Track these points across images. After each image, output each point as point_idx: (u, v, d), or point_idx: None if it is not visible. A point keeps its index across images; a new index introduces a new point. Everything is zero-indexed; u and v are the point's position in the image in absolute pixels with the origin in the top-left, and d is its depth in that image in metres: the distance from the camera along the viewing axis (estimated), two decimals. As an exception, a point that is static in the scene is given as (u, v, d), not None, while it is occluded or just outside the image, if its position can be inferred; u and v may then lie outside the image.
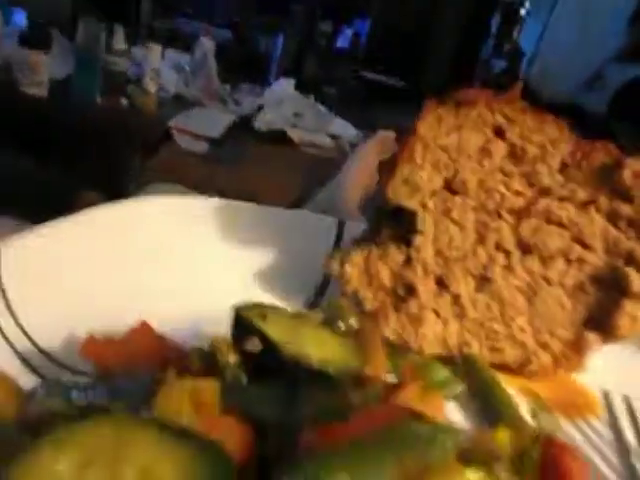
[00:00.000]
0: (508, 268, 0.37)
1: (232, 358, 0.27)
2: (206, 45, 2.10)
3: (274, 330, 0.28)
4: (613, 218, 0.36)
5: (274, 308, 0.31)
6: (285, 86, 2.19)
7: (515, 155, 0.37)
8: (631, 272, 0.35)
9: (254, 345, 0.27)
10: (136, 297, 0.36)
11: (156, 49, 1.92)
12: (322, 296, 0.44)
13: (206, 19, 3.77)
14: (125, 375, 0.28)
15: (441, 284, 0.38)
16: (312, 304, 0.43)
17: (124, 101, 1.85)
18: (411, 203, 0.37)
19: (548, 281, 0.37)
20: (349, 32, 4.27)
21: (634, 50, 3.09)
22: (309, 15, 4.09)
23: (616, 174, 0.35)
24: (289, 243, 0.46)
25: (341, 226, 0.48)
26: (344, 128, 2.04)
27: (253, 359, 0.27)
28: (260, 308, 0.30)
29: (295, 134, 1.87)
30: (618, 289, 0.36)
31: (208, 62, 2.08)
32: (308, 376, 0.26)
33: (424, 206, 0.38)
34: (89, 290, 0.37)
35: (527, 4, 4.06)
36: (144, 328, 0.31)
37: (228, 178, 1.51)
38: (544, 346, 0.37)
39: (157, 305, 0.34)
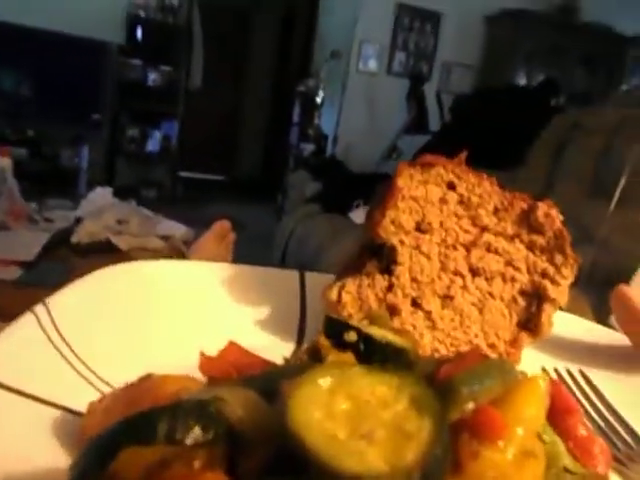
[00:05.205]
0: (464, 288, 0.49)
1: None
2: (3, 164, 1.94)
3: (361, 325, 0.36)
4: (531, 247, 0.50)
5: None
6: (103, 195, 2.13)
7: (464, 203, 0.50)
8: (547, 284, 0.49)
9: (350, 336, 0.35)
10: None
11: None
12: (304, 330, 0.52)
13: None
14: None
15: (416, 304, 0.49)
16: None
17: None
18: (394, 240, 0.48)
19: (492, 296, 0.50)
20: (158, 135, 4.33)
21: (416, 123, 3.69)
22: (113, 123, 4.11)
23: (532, 215, 0.49)
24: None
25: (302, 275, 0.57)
26: (174, 228, 2.02)
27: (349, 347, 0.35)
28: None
29: (121, 241, 1.83)
30: (539, 297, 0.50)
31: (8, 182, 1.93)
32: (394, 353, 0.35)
33: (402, 242, 0.49)
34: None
35: (321, 92, 4.49)
36: (232, 347, 0.37)
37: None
38: (492, 346, 0.49)
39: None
